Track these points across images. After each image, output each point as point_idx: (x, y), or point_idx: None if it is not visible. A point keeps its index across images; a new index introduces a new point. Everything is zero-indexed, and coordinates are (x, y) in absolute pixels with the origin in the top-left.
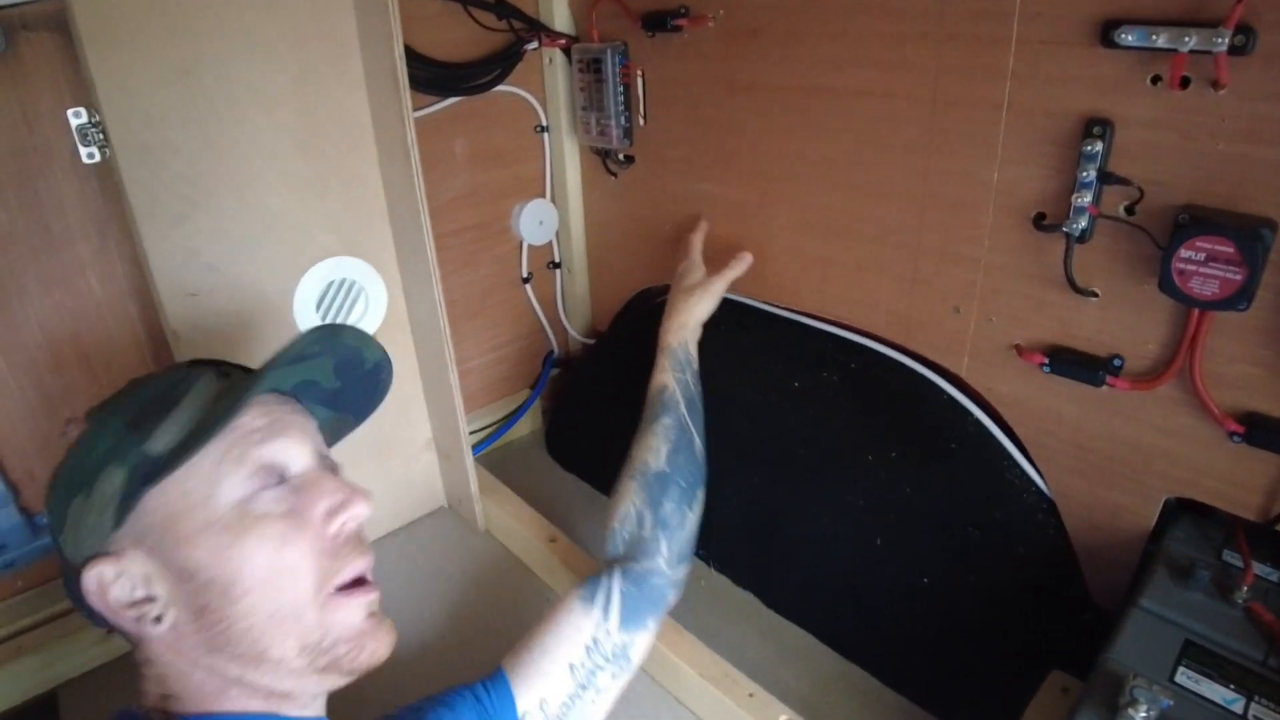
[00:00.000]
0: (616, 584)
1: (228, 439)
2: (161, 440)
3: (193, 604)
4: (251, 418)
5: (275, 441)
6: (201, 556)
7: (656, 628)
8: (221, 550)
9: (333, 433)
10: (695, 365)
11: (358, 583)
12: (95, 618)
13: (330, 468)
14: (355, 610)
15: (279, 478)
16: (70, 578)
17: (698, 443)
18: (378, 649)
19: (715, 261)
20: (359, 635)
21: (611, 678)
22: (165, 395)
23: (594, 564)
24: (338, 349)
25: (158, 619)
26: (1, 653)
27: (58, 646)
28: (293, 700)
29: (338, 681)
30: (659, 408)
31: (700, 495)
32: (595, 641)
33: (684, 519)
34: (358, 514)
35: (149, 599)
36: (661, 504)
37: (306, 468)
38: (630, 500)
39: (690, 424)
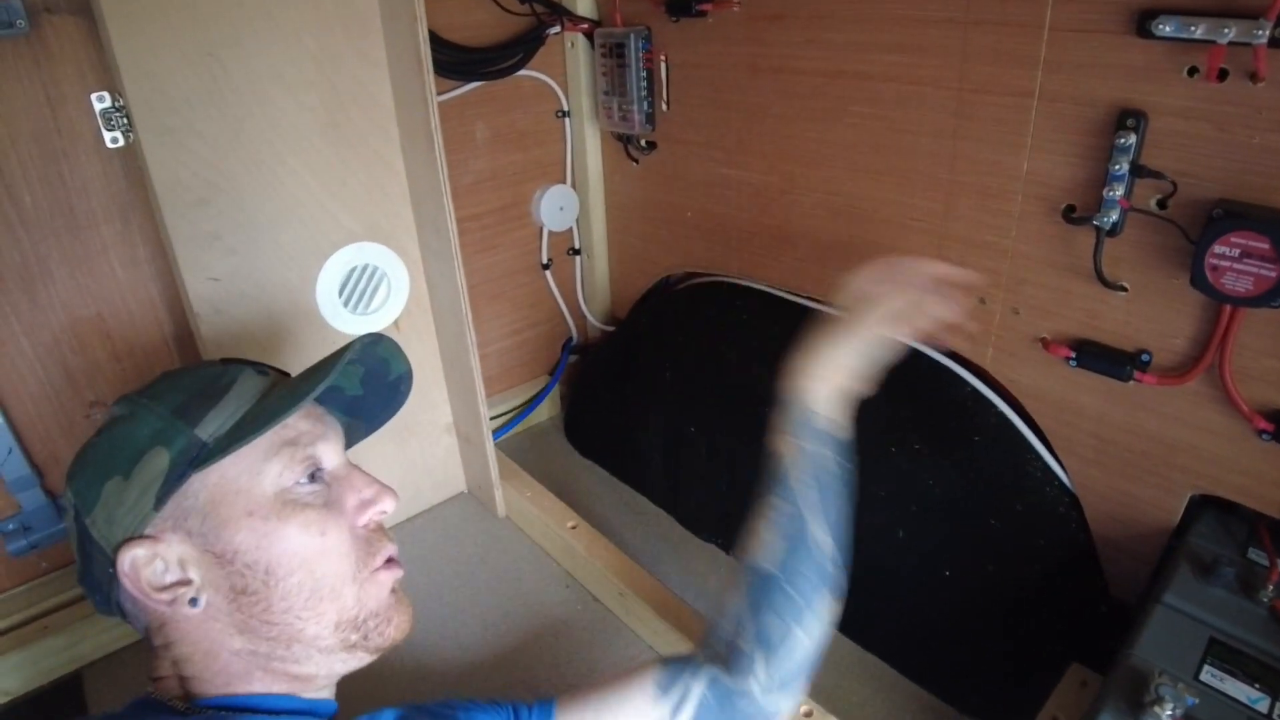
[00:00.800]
0: (697, 688)
1: (274, 433)
2: (210, 427)
3: (230, 586)
4: (298, 418)
5: (319, 444)
6: (243, 540)
7: None
8: (263, 536)
9: (346, 438)
10: (840, 436)
11: (387, 562)
12: (102, 603)
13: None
14: (384, 586)
15: (316, 474)
16: (88, 560)
17: (820, 540)
18: (402, 623)
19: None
20: (387, 609)
21: None
22: (210, 386)
23: (616, 552)
24: (369, 358)
25: (193, 601)
26: (27, 633)
27: (82, 627)
28: (311, 684)
29: (362, 660)
30: (774, 479)
31: (819, 613)
32: None
33: (787, 636)
34: (386, 508)
35: (183, 582)
36: (763, 612)
37: (337, 466)
38: (738, 594)
39: (806, 516)
